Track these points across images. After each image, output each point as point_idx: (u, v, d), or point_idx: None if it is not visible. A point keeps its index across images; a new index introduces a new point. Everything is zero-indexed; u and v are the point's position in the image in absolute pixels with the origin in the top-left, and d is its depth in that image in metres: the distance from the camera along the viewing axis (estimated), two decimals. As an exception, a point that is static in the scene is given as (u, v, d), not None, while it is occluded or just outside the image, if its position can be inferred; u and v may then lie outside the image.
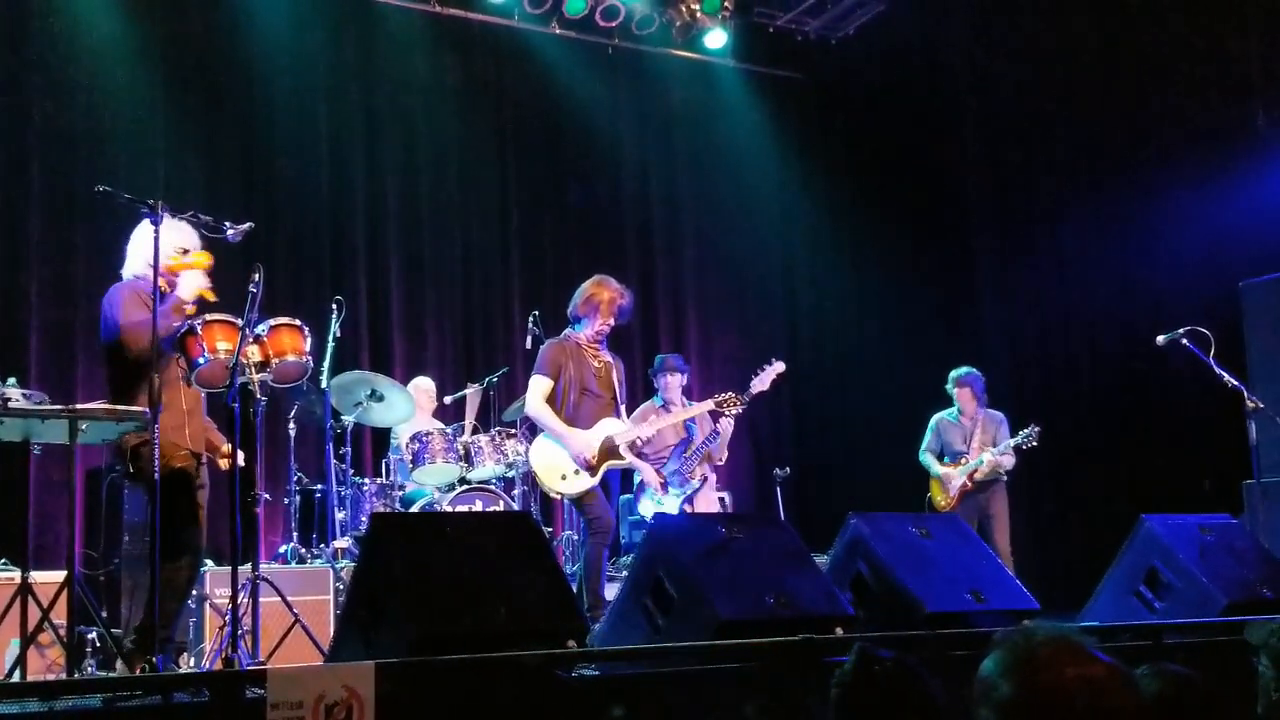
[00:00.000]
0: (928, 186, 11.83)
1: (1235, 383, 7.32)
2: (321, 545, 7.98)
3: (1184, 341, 7.41)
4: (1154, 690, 2.55)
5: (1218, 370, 7.29)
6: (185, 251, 5.89)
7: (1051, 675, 1.78)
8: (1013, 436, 9.07)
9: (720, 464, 8.50)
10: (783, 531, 5.63)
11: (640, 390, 9.00)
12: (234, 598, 5.31)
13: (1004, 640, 1.88)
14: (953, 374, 9.39)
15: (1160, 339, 7.56)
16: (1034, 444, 8.95)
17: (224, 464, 6.08)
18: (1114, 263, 10.32)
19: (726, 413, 7.69)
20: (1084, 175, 10.67)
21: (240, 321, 5.45)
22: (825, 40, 12.30)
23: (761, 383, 8.00)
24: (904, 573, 5.40)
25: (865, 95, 12.23)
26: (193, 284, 5.79)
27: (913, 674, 2.30)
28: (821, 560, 5.86)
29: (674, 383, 8.50)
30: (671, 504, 8.05)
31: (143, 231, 5.88)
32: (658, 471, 8.02)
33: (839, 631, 4.88)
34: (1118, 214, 10.32)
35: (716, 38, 11.75)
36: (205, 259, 5.89)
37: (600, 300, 7.17)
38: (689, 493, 8.13)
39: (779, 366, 8.03)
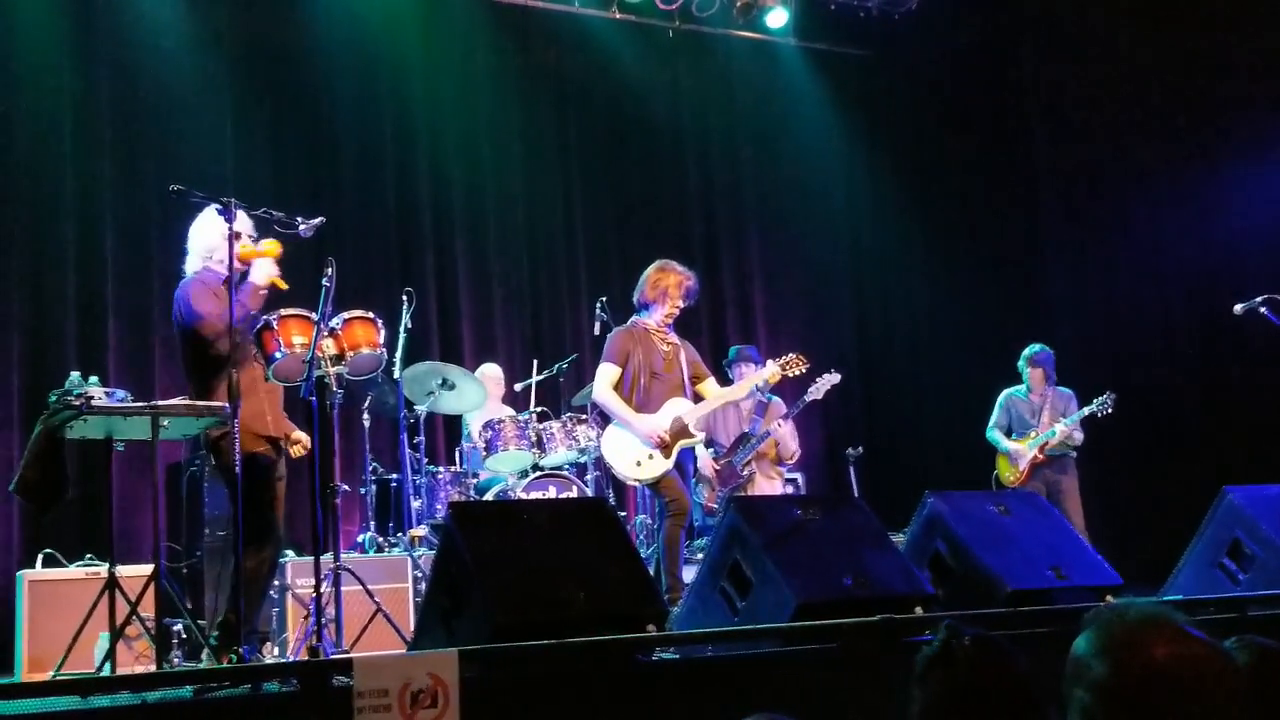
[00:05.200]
0: (995, 161, 11.70)
1: (1316, 350, 7.20)
2: (398, 534, 8.04)
3: (1262, 310, 7.29)
4: (1244, 664, 2.52)
5: (1298, 338, 7.17)
6: (248, 238, 5.92)
7: (1147, 653, 1.76)
8: (1082, 409, 9.02)
9: (791, 463, 8.56)
10: (859, 511, 5.61)
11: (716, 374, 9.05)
12: (316, 587, 5.38)
13: (1096, 618, 1.86)
14: (1025, 352, 9.34)
15: (1238, 308, 7.44)
16: (1109, 411, 8.89)
17: (295, 451, 6.14)
18: (1186, 233, 10.18)
19: (789, 373, 7.60)
20: (1154, 145, 10.51)
21: (315, 316, 5.52)
22: (888, 15, 12.15)
23: (816, 392, 8.18)
24: (983, 550, 5.38)
25: (929, 70, 12.10)
26: (265, 271, 5.83)
27: (1001, 652, 2.28)
28: (897, 539, 5.83)
29: (749, 373, 8.52)
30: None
31: (199, 225, 5.97)
32: (714, 459, 8.24)
33: (919, 611, 4.86)
34: (1189, 183, 10.18)
35: (778, 17, 11.66)
36: (276, 247, 5.94)
37: (667, 285, 7.19)
38: (733, 487, 8.28)
39: (834, 378, 8.09)
